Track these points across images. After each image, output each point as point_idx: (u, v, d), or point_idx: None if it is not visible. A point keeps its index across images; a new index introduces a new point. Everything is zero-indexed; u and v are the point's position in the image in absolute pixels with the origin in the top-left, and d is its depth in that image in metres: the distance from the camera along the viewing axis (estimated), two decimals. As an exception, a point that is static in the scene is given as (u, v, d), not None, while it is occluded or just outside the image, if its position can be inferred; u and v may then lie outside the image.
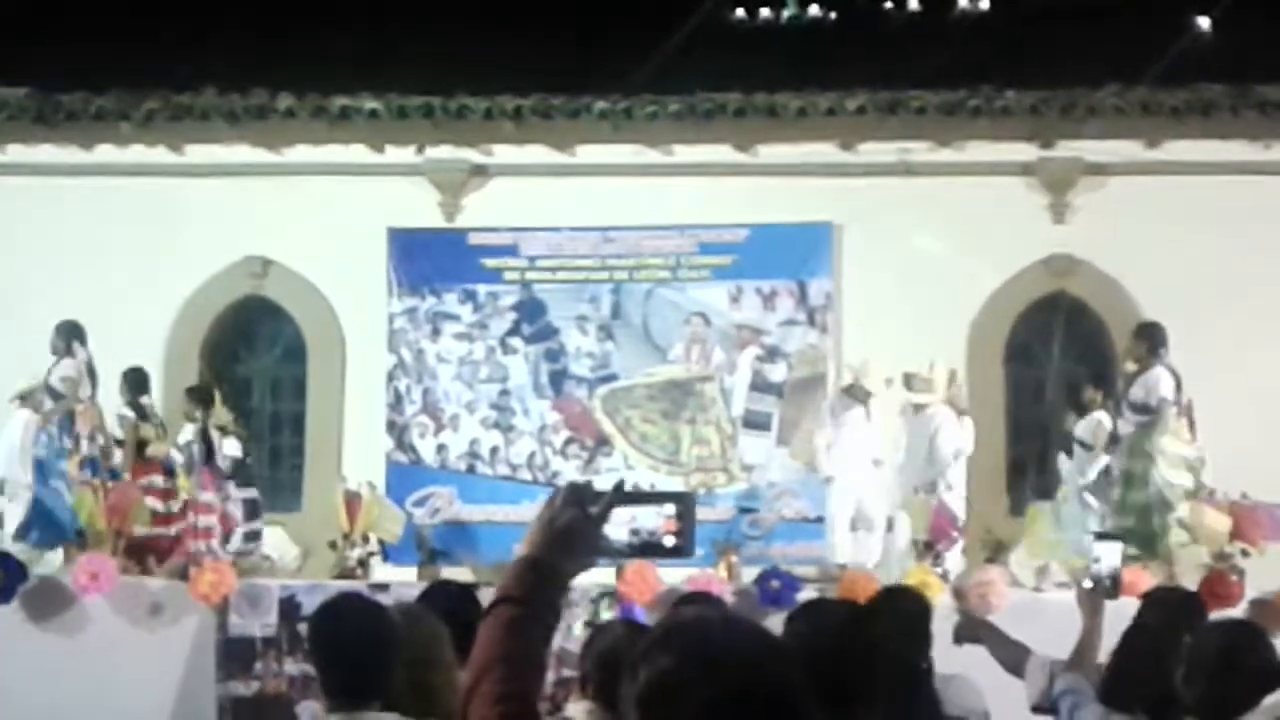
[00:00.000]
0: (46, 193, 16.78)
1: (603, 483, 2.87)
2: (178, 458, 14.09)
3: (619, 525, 2.69)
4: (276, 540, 14.99)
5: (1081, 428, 14.18)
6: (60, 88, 16.95)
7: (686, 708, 2.34)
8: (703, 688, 2.35)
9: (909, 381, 14.06)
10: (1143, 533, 12.44)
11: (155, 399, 15.28)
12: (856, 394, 14.27)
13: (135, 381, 14.47)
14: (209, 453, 13.89)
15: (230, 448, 14.97)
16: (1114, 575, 6.08)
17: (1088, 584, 6.22)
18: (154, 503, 13.87)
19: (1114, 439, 13.72)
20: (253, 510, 14.67)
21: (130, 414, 14.26)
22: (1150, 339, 13.24)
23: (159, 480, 14.14)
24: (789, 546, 15.20)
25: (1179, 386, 12.90)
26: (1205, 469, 12.96)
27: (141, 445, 14.22)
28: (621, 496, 2.72)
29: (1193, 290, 15.45)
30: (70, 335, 14.16)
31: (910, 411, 14.15)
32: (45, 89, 16.97)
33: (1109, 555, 6.34)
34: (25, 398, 13.93)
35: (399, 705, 4.61)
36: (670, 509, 2.74)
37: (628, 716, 2.41)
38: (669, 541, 2.73)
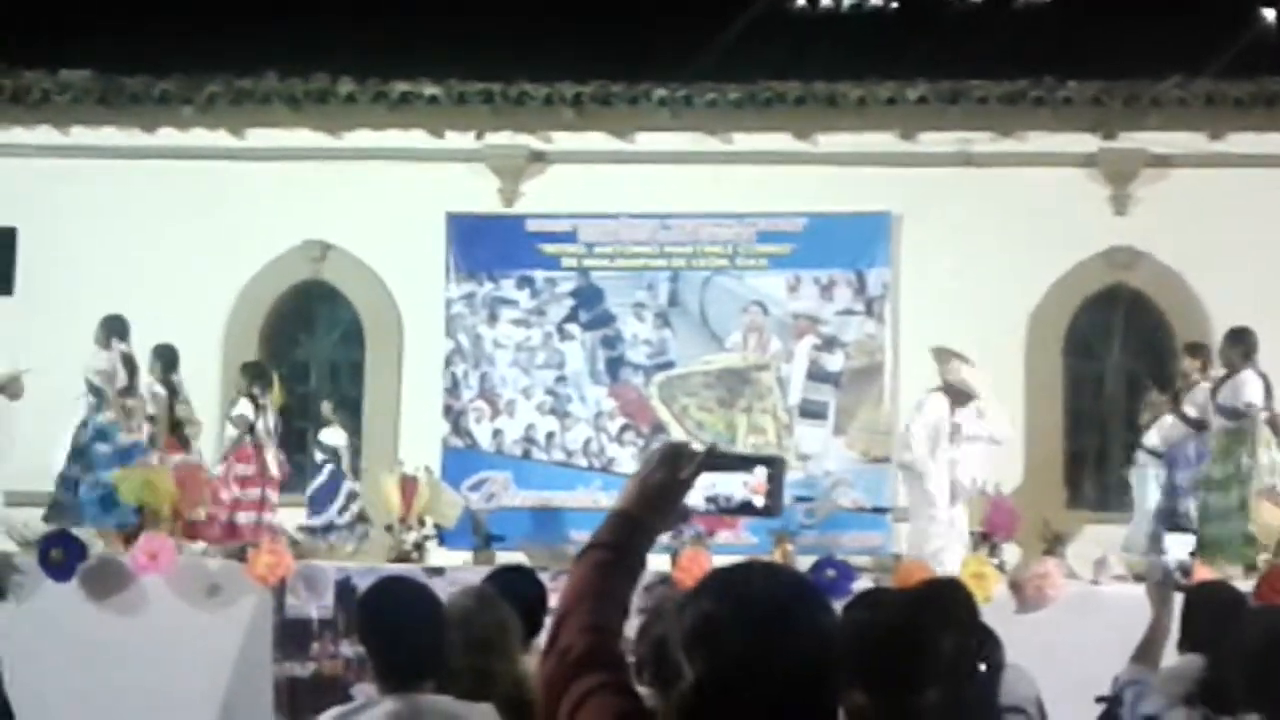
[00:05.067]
0: (108, 175, 16.91)
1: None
2: (231, 431, 14.25)
3: (697, 491, 2.82)
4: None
5: (1153, 436, 14.03)
6: (123, 71, 17.07)
7: (727, 648, 2.49)
8: (743, 628, 2.49)
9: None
10: (1228, 540, 12.24)
11: (214, 383, 15.41)
12: (957, 397, 13.74)
13: (166, 359, 14.56)
14: (259, 427, 14.12)
15: (332, 437, 15.19)
16: (1184, 568, 6.04)
17: (1157, 576, 6.19)
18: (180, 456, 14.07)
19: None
20: (350, 499, 14.87)
21: (162, 390, 14.37)
22: (1239, 343, 12.99)
23: (189, 458, 14.31)
24: (844, 536, 15.15)
25: (1269, 391, 12.68)
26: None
27: (176, 425, 14.38)
28: (713, 460, 2.84)
29: (1255, 283, 15.33)
30: (107, 330, 14.22)
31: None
32: (108, 72, 17.10)
33: (1178, 548, 6.32)
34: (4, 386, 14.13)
35: (456, 687, 4.62)
36: (761, 471, 2.86)
37: (675, 657, 2.55)
38: (759, 501, 2.86)
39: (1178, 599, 6.10)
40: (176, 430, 14.43)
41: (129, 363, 14.19)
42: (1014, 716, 5.59)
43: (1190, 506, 12.85)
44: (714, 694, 2.50)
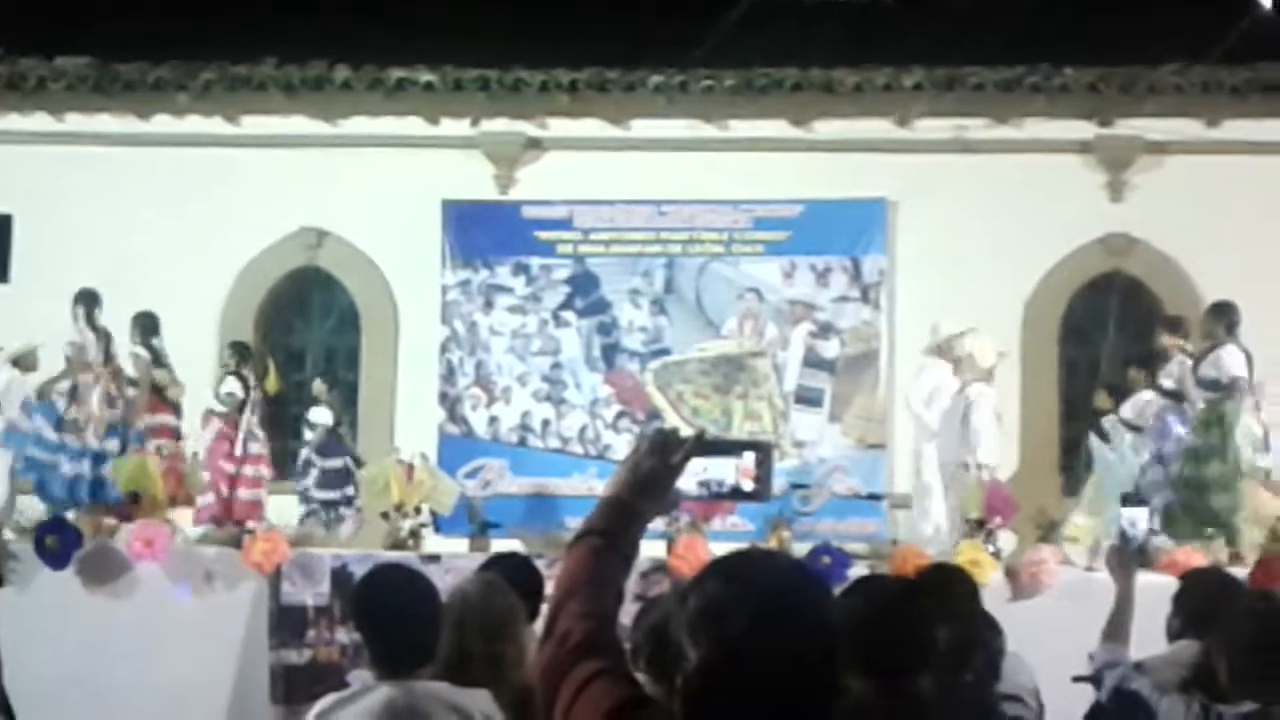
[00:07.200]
0: (104, 162, 16.88)
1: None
2: (219, 407, 14.26)
3: (690, 476, 2.86)
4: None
5: (1128, 409, 14.05)
6: (119, 58, 17.05)
7: (732, 632, 2.52)
8: (748, 608, 2.54)
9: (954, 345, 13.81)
10: (1208, 509, 12.23)
11: (209, 370, 15.40)
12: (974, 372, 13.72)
13: (145, 325, 14.46)
14: (242, 406, 14.20)
15: (320, 416, 15.17)
16: (1143, 538, 6.03)
17: (1116, 544, 6.18)
18: (164, 442, 14.00)
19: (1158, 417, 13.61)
20: (342, 480, 14.85)
21: (145, 354, 14.32)
22: (1222, 317, 12.99)
23: (170, 419, 14.28)
24: (840, 523, 15.17)
25: (1250, 364, 12.69)
26: (1269, 450, 12.73)
27: (159, 389, 14.35)
28: (702, 446, 2.88)
29: (1251, 270, 15.32)
30: (78, 302, 14.13)
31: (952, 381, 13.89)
32: (104, 59, 17.08)
33: (1138, 519, 6.31)
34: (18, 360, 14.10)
35: (466, 672, 4.63)
36: (750, 457, 2.91)
37: (679, 643, 2.59)
38: (748, 486, 2.91)
39: (1166, 582, 6.09)
40: (159, 393, 14.34)
41: (103, 336, 14.09)
42: (1011, 705, 5.59)
43: (1167, 475, 12.83)
44: (717, 677, 2.53)
